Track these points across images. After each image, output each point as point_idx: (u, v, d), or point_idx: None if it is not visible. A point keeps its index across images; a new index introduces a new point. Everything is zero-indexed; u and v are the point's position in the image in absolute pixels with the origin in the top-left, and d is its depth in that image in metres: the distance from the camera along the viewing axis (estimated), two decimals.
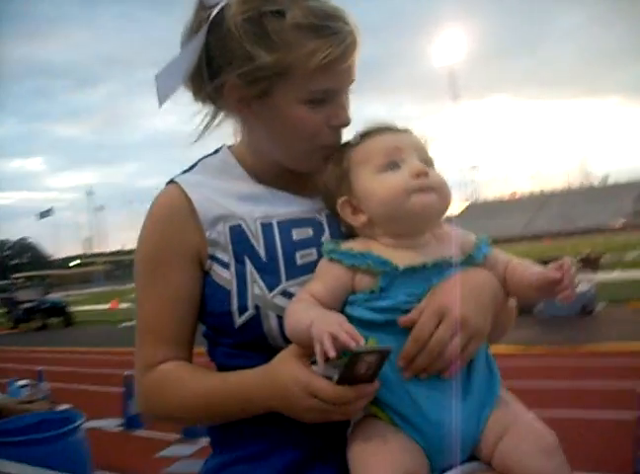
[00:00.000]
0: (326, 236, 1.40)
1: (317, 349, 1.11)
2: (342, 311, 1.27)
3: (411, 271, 1.27)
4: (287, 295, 1.32)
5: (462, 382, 1.25)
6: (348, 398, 1.14)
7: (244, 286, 1.34)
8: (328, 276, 1.30)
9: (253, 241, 1.38)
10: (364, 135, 1.38)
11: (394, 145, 1.33)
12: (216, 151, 1.52)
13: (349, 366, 1.09)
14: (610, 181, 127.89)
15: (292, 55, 1.28)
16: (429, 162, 1.34)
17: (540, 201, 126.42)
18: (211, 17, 1.32)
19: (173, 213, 1.41)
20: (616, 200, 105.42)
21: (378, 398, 1.22)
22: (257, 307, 1.33)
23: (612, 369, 8.32)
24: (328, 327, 1.12)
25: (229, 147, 1.52)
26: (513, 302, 1.44)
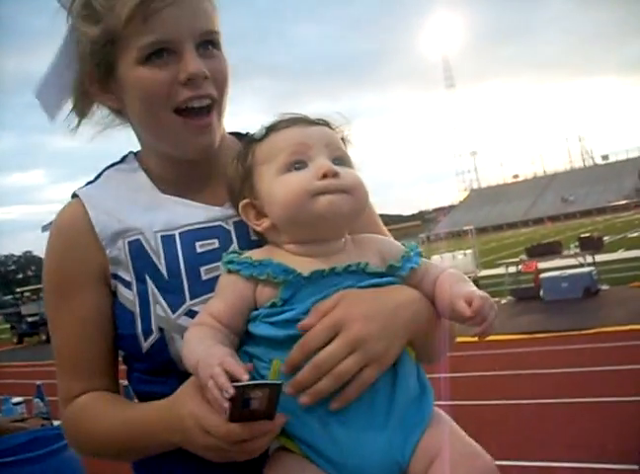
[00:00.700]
0: (234, 247, 1.28)
1: (207, 396, 1.01)
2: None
3: (318, 276, 1.14)
4: (193, 315, 1.21)
5: (385, 405, 1.11)
6: (240, 436, 1.01)
7: (147, 307, 1.24)
8: (227, 291, 1.17)
9: (153, 257, 1.27)
10: (270, 129, 1.24)
11: (301, 141, 1.19)
12: (123, 158, 1.41)
13: (234, 403, 0.97)
14: (611, 159, 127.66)
15: (111, 18, 1.20)
16: (343, 159, 1.22)
17: (542, 184, 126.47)
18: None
19: (73, 233, 1.31)
20: (618, 179, 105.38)
21: (288, 429, 1.09)
22: (161, 330, 1.22)
23: (619, 351, 8.20)
24: (210, 369, 0.99)
25: (135, 154, 1.41)
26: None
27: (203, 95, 1.24)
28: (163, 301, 1.23)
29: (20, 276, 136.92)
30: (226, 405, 0.96)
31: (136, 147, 1.40)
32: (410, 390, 1.14)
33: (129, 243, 1.28)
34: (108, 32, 1.21)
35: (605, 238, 19.14)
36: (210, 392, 0.98)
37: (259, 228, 1.23)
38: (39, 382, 6.05)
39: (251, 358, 1.13)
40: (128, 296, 1.26)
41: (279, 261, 1.16)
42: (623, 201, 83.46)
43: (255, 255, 1.19)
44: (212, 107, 1.27)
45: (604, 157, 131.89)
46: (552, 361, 8.21)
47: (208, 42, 1.25)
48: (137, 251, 1.27)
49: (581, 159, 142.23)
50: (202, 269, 1.26)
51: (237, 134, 1.46)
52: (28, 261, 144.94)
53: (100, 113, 1.37)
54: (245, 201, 1.23)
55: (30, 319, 26.75)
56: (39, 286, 33.82)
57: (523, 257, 15.38)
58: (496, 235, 72.20)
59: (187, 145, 1.27)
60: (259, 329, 1.13)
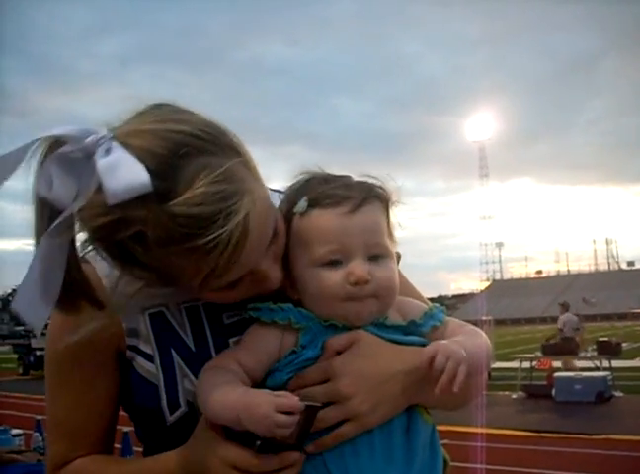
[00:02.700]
0: None
1: (266, 426, 0.99)
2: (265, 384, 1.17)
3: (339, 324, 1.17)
4: None
5: (401, 465, 1.12)
6: (270, 467, 1.03)
7: (173, 381, 1.22)
8: (253, 339, 1.19)
9: (178, 329, 1.25)
10: (312, 205, 1.18)
11: (340, 239, 1.15)
12: None
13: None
14: (637, 266, 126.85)
15: (174, 273, 1.08)
16: (381, 253, 1.19)
17: (565, 283, 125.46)
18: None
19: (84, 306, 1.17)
20: None
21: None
22: (189, 403, 1.20)
23: (625, 461, 8.01)
24: (262, 410, 0.98)
25: None
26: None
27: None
28: (191, 375, 1.21)
29: None
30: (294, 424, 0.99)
31: None
32: (420, 449, 1.15)
33: (151, 315, 1.25)
34: (169, 279, 1.12)
35: (624, 344, 18.90)
36: (276, 420, 0.97)
37: (289, 294, 1.22)
38: (39, 417, 6.02)
39: None
40: (150, 369, 1.23)
41: (299, 308, 1.18)
42: None
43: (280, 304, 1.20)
44: None
45: (630, 263, 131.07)
46: (556, 463, 8.05)
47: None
48: (161, 324, 1.24)
49: (606, 262, 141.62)
50: (232, 341, 1.24)
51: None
52: None
53: None
54: None
55: (38, 352, 26.61)
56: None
57: (539, 353, 15.20)
58: (513, 328, 71.32)
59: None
60: (277, 378, 1.16)
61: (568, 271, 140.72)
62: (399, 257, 1.28)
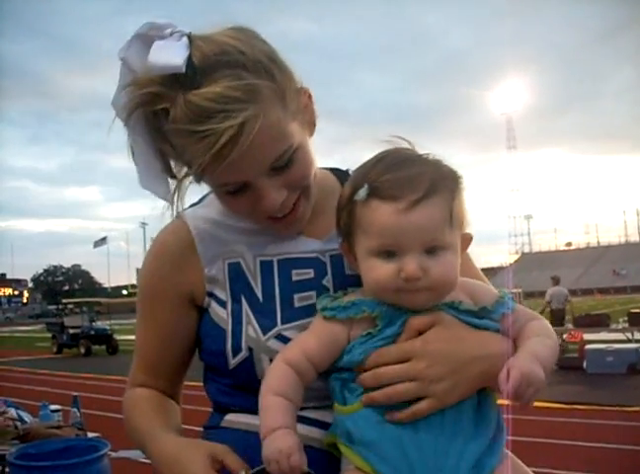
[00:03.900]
0: (328, 278, 1.35)
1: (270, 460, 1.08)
2: (336, 364, 1.21)
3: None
4: (282, 339, 1.27)
5: (464, 444, 1.14)
6: None
7: (239, 327, 1.31)
8: (323, 333, 1.21)
9: (250, 279, 1.34)
10: (373, 193, 1.16)
11: (396, 235, 1.14)
12: None
13: None
14: None
15: (181, 158, 1.24)
16: (439, 245, 1.16)
17: (595, 255, 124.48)
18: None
19: (172, 253, 1.39)
20: None
21: (365, 456, 1.14)
22: (250, 349, 1.28)
23: None
24: (276, 447, 1.08)
25: None
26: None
27: (288, 209, 1.29)
28: (255, 323, 1.30)
29: (66, 287, 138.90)
30: None
31: None
32: (489, 432, 1.18)
33: (229, 264, 1.36)
34: (182, 163, 1.27)
35: None
36: (280, 467, 1.07)
37: (354, 269, 1.25)
38: (75, 393, 6.13)
39: (343, 384, 1.20)
40: (222, 315, 1.34)
41: (370, 297, 1.19)
42: None
43: (346, 298, 1.22)
44: (298, 200, 1.30)
45: None
46: (588, 435, 8.03)
47: (281, 161, 1.23)
48: (236, 273, 1.35)
49: (637, 234, 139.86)
50: (296, 296, 1.32)
51: (336, 170, 1.51)
52: (75, 274, 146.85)
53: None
54: (345, 244, 1.26)
55: (71, 331, 26.89)
56: (83, 300, 34.18)
57: (570, 326, 15.14)
58: (543, 301, 70.97)
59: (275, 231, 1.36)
60: (355, 354, 1.18)
61: (598, 242, 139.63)
62: (470, 239, 1.26)
